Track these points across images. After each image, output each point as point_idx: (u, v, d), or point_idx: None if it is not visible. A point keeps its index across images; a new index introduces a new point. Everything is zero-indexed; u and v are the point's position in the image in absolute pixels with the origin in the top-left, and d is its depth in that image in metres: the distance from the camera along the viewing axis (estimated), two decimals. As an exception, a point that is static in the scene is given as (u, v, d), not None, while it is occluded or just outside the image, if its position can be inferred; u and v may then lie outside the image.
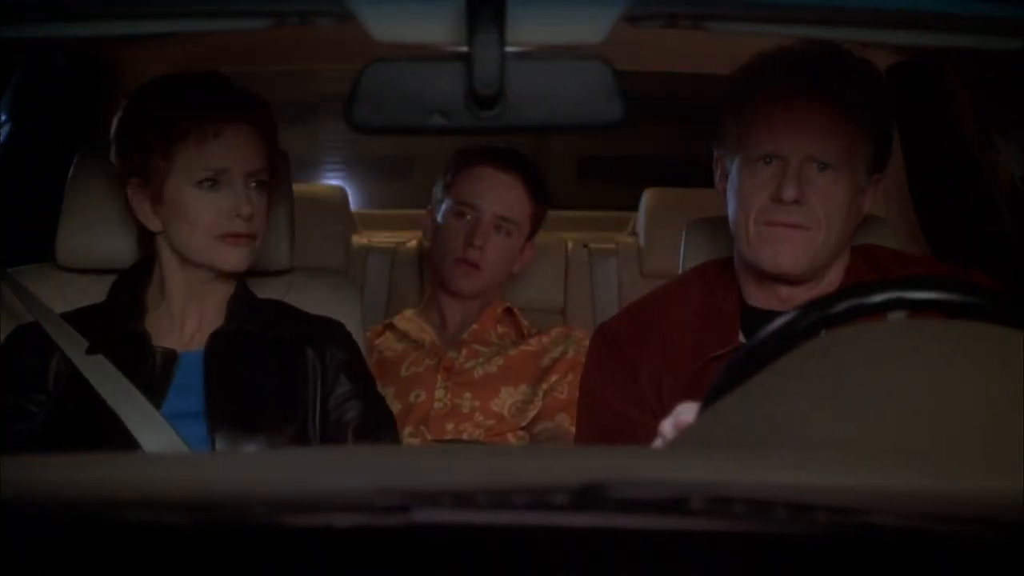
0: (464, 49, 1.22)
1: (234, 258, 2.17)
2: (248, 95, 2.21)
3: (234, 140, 2.16)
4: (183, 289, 2.22)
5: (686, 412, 1.51)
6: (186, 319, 2.23)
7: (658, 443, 1.56)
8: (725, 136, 2.13)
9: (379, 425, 2.27)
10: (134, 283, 2.26)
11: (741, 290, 2.16)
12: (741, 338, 2.12)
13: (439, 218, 2.91)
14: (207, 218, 2.15)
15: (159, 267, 2.24)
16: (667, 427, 1.53)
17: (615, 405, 2.13)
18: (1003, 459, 1.03)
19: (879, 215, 2.75)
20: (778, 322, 1.44)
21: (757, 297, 2.14)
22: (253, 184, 2.17)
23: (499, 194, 2.87)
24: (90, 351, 2.14)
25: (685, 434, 1.12)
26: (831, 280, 2.12)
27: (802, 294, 2.08)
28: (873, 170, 2.11)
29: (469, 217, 2.86)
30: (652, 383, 2.11)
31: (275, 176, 2.25)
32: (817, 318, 1.43)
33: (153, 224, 2.20)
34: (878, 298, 1.41)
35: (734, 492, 0.91)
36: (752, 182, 2.07)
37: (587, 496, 0.90)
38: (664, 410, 2.08)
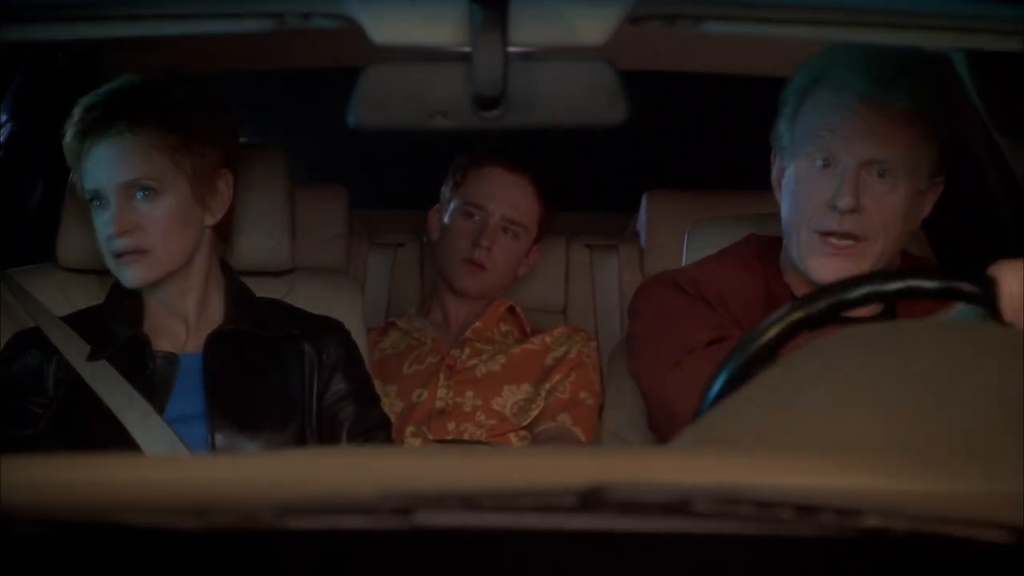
0: (466, 50, 1.22)
1: (129, 276, 2.15)
2: (135, 101, 2.15)
3: (101, 157, 2.13)
4: (156, 295, 2.22)
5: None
6: (181, 321, 2.22)
7: None
8: (781, 134, 2.06)
9: (373, 426, 2.27)
10: (134, 285, 2.26)
11: (789, 284, 2.08)
12: None
13: (446, 218, 2.91)
14: (100, 236, 2.16)
15: None
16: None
17: (687, 321, 1.99)
18: (1005, 460, 1.03)
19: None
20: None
21: (801, 288, 2.04)
22: (137, 195, 2.13)
23: (508, 195, 2.87)
24: (92, 357, 2.14)
25: (693, 431, 1.12)
26: None
27: None
28: (935, 172, 2.04)
29: (477, 218, 2.86)
30: (734, 316, 2.01)
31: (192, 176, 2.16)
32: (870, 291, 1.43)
33: None
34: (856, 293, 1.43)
35: (739, 494, 0.91)
36: (806, 185, 1.99)
37: (592, 498, 0.90)
38: None
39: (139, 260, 2.14)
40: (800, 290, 2.06)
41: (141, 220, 2.12)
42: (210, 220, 2.21)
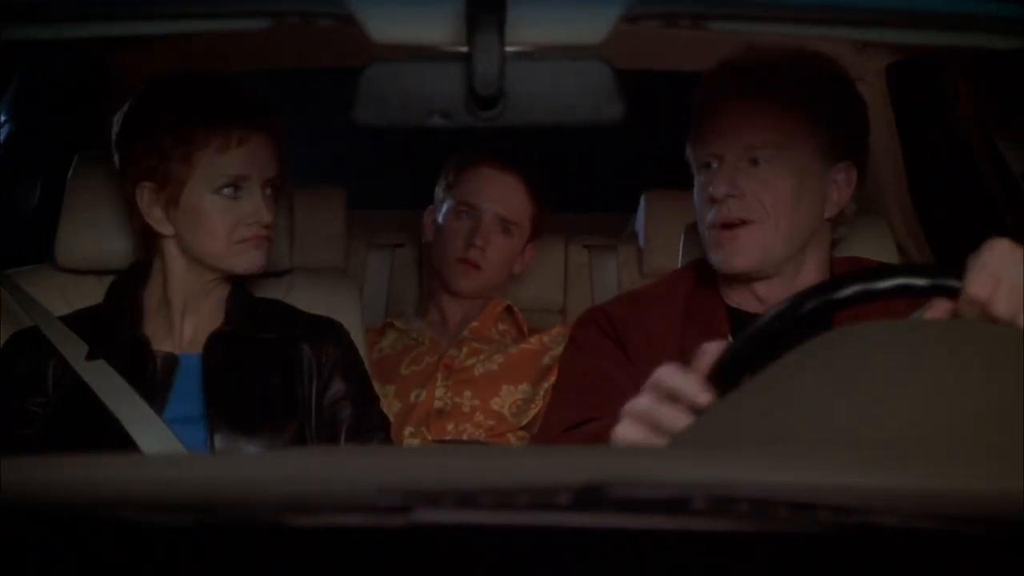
0: (464, 49, 1.22)
1: (252, 259, 2.18)
2: (264, 103, 2.20)
3: (256, 148, 2.16)
4: (185, 291, 2.21)
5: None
6: (184, 322, 2.22)
7: (643, 403, 1.48)
8: (688, 159, 2.17)
9: (372, 427, 2.27)
10: (132, 285, 2.25)
11: (721, 292, 2.16)
12: (731, 339, 2.11)
13: (440, 218, 2.91)
14: (226, 225, 2.15)
15: (161, 269, 2.22)
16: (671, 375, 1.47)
17: (603, 368, 2.10)
18: (1004, 458, 1.03)
19: (879, 215, 2.75)
20: (780, 305, 1.46)
21: (736, 298, 2.14)
22: (269, 191, 2.18)
23: (501, 194, 2.87)
24: (90, 356, 2.13)
25: (691, 429, 1.12)
26: (808, 275, 2.11)
27: (777, 292, 2.07)
28: (834, 158, 2.10)
29: (470, 217, 2.86)
30: (637, 369, 2.10)
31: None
32: (821, 302, 1.44)
33: (165, 228, 2.18)
34: (846, 292, 1.43)
35: (736, 492, 0.91)
36: (699, 189, 2.11)
37: (588, 496, 0.90)
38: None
39: (264, 246, 2.19)
40: (731, 296, 2.14)
41: (272, 214, 2.18)
42: None
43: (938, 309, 1.44)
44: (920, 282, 1.44)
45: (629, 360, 2.09)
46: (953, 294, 1.42)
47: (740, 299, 2.14)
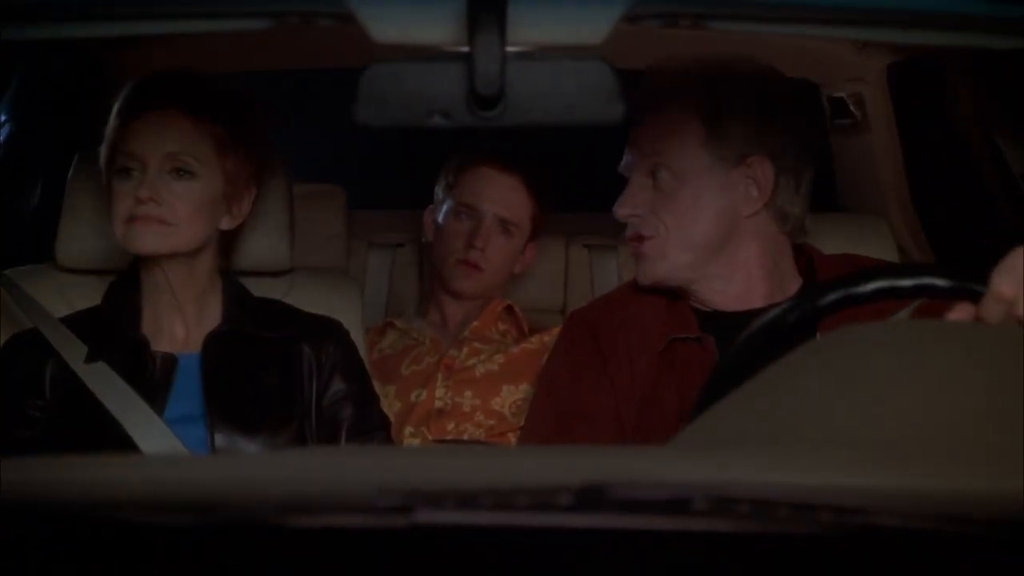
0: (465, 49, 1.22)
1: (141, 241, 2.11)
2: (194, 88, 2.17)
3: (151, 124, 2.12)
4: (182, 290, 2.21)
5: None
6: (179, 321, 2.22)
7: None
8: None
9: (372, 427, 2.27)
10: (130, 286, 2.25)
11: (691, 301, 2.18)
12: (701, 335, 2.14)
13: (440, 219, 2.91)
14: (120, 205, 2.12)
15: (160, 268, 2.23)
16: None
17: (577, 389, 2.13)
18: (1004, 459, 1.03)
19: (879, 215, 2.75)
20: (770, 313, 1.46)
21: (691, 302, 2.16)
22: (170, 171, 2.11)
23: (501, 195, 2.87)
24: (90, 359, 2.13)
25: (691, 429, 1.12)
26: (748, 271, 2.12)
27: (718, 292, 2.12)
28: (738, 157, 2.09)
29: (470, 218, 2.86)
30: (628, 362, 2.12)
31: (242, 173, 2.20)
32: (808, 309, 1.44)
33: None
34: (868, 287, 1.42)
35: (736, 492, 0.91)
36: None
37: (589, 497, 0.90)
38: (637, 388, 2.10)
39: (156, 228, 2.11)
40: (696, 306, 2.16)
41: (170, 196, 2.11)
42: (227, 224, 2.21)
43: (960, 312, 1.43)
44: (943, 283, 1.43)
45: (609, 361, 2.13)
46: (976, 297, 1.41)
47: (694, 304, 2.16)
